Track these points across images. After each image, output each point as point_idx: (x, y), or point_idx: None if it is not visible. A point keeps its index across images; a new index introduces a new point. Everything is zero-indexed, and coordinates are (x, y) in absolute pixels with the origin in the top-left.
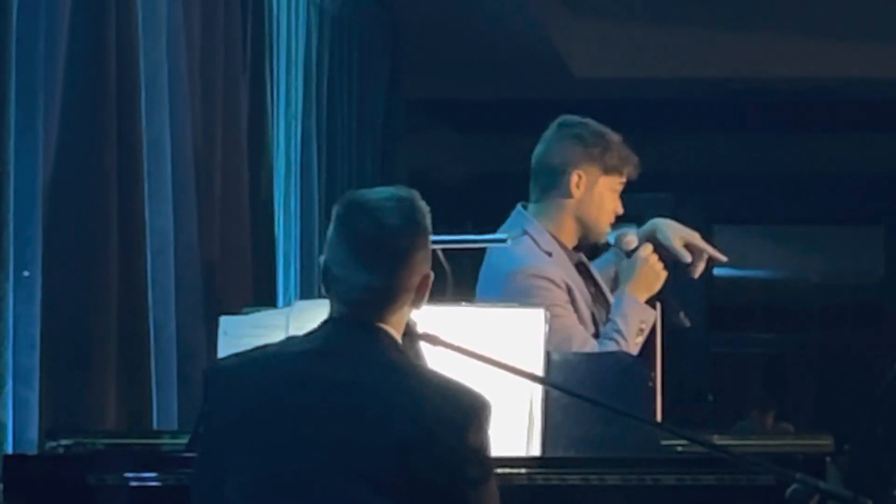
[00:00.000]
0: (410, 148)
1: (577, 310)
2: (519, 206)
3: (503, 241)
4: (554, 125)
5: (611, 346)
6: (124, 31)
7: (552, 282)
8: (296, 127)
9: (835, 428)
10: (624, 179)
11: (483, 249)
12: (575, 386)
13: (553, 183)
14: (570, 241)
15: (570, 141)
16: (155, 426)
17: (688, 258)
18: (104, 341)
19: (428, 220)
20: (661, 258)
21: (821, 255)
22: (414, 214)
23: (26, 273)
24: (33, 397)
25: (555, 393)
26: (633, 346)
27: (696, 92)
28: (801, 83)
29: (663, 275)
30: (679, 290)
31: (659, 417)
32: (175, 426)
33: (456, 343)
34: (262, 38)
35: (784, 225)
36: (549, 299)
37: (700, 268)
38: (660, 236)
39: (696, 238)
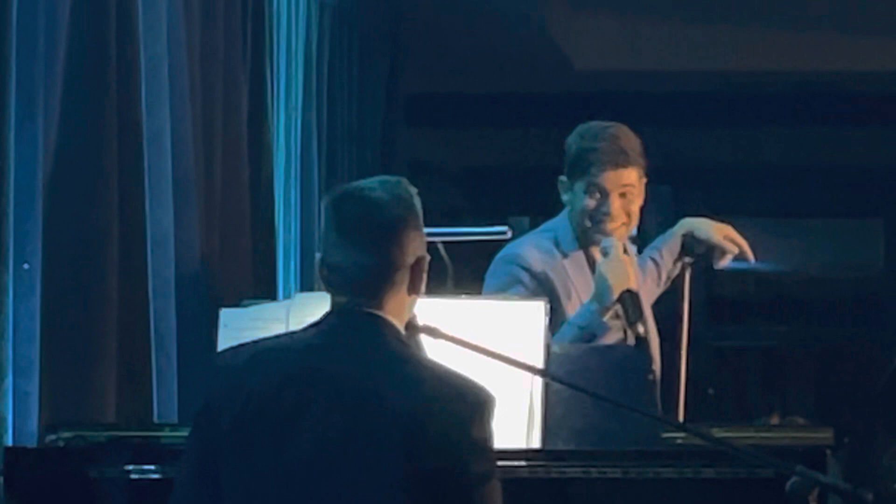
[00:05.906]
0: (411, 141)
1: (552, 300)
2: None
3: (503, 234)
4: None
5: None
6: (124, 24)
7: (527, 270)
8: (296, 120)
9: (835, 421)
10: (595, 179)
11: (483, 242)
12: (575, 378)
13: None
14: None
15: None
16: (155, 419)
17: (735, 250)
18: (104, 334)
19: (416, 201)
20: (695, 252)
21: (820, 248)
22: (399, 191)
23: (26, 266)
24: (33, 390)
25: (555, 385)
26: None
27: (696, 85)
28: (801, 76)
29: (618, 273)
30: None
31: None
32: (175, 419)
33: (456, 335)
34: (262, 31)
35: (784, 218)
36: (510, 284)
37: (729, 259)
38: (699, 234)
39: (732, 231)
